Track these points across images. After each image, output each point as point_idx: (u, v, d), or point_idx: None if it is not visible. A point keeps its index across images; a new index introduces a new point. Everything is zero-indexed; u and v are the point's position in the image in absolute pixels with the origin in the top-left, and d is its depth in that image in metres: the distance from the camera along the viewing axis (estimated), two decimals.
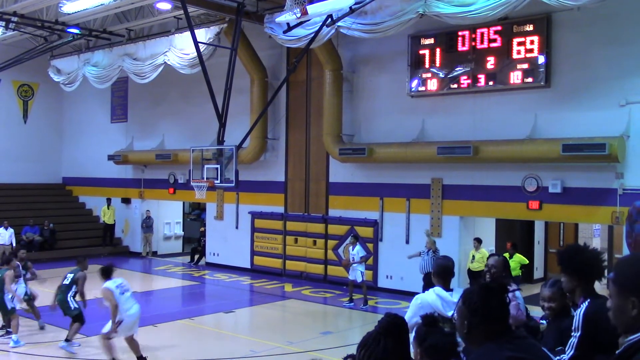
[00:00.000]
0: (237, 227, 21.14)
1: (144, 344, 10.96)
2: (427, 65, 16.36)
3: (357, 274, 15.56)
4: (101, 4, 17.98)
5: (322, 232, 18.83)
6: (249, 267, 20.66)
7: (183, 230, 26.16)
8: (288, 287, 18.14)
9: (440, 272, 5.91)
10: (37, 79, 26.44)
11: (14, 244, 20.40)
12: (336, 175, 18.75)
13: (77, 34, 21.03)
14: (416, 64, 16.59)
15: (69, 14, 19.10)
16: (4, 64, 21.66)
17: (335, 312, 15.43)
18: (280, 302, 16.53)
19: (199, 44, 17.28)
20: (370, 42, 16.99)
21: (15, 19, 19.43)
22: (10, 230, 20.93)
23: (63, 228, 24.32)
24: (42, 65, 24.36)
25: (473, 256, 15.55)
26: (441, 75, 16.13)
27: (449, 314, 5.35)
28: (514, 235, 17.83)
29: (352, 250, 15.89)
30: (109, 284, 10.12)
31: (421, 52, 16.50)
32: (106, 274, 10.27)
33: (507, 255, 14.11)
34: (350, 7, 14.64)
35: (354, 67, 18.29)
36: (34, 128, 27.25)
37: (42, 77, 25.33)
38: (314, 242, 18.96)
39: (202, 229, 23.18)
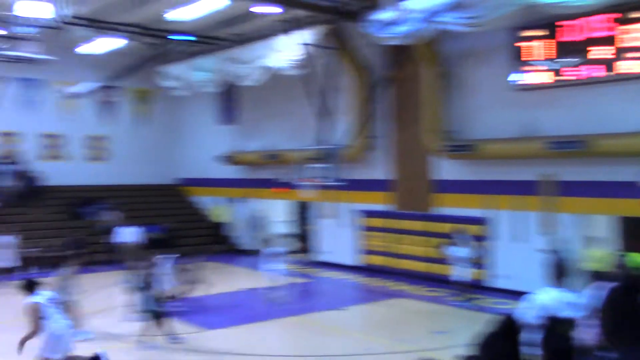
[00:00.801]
0: (343, 226, 21.37)
1: (257, 340, 11.29)
2: (531, 58, 15.84)
3: (463, 272, 15.36)
4: (209, 11, 18.70)
5: (427, 229, 18.69)
6: (357, 264, 20.83)
7: (291, 229, 26.67)
8: (397, 285, 18.13)
9: (555, 272, 5.79)
10: (153, 85, 27.83)
11: (139, 242, 21.54)
12: (441, 172, 18.54)
13: (186, 40, 21.97)
14: (519, 57, 16.10)
15: (179, 22, 20.00)
16: (122, 72, 22.97)
17: (444, 311, 15.26)
18: (390, 300, 16.54)
19: (302, 46, 17.61)
20: (470, 36, 16.62)
21: (131, 29, 20.57)
22: (135, 229, 22.02)
23: (179, 227, 25.51)
24: (156, 72, 25.65)
25: (592, 255, 14.84)
26: (548, 67, 15.56)
27: (567, 313, 5.23)
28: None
29: (455, 248, 15.70)
30: (37, 298, 8.82)
31: (524, 44, 15.99)
32: (29, 288, 8.97)
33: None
34: (450, 1, 14.42)
35: (455, 62, 17.98)
36: (150, 132, 28.76)
37: (156, 83, 26.65)
38: (421, 240, 18.85)
39: (308, 227, 23.56)
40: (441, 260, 17.98)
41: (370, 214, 20.47)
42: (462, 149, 17.04)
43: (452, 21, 15.26)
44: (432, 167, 18.78)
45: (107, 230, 22.71)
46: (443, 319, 14.82)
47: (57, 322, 8.72)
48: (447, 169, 18.27)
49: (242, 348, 11.61)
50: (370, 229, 20.53)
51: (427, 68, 17.75)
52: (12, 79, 25.07)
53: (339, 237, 21.55)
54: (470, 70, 17.63)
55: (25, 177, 24.54)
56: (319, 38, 19.16)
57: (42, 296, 8.89)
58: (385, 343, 11.99)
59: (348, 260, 21.18)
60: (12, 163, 24.45)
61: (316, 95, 17.28)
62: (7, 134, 25.16)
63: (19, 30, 20.52)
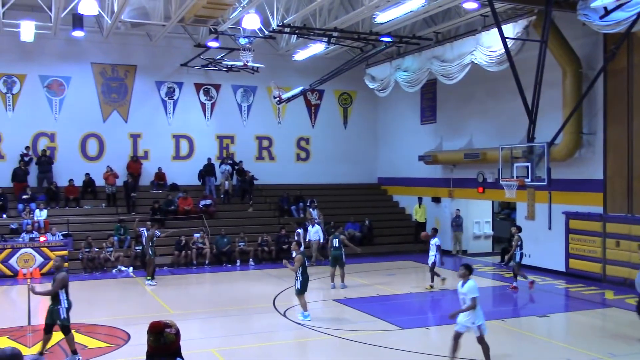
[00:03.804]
0: (549, 228, 20.15)
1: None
2: None
3: None
4: (410, 11, 18.74)
5: None
6: (564, 270, 19.53)
7: (493, 230, 25.85)
8: (609, 294, 16.68)
9: None
10: (355, 87, 28.70)
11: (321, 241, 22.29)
12: None
13: (389, 42, 22.23)
14: None
15: (381, 24, 20.31)
16: (327, 75, 23.93)
17: None
18: (600, 310, 15.29)
19: (507, 40, 16.93)
20: None
21: (335, 34, 21.33)
22: (319, 228, 22.71)
23: (379, 225, 25.95)
24: (359, 74, 26.34)
25: None
26: None
27: None
28: None
29: None
30: None
31: None
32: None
33: None
34: None
35: None
36: (352, 132, 29.66)
37: (359, 85, 27.40)
38: (635, 246, 17.09)
39: (513, 228, 22.57)
40: None
41: (578, 216, 19.04)
42: None
43: None
44: None
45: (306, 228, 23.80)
46: None
47: None
48: None
49: (435, 349, 11.44)
50: (577, 232, 19.10)
51: None
52: (229, 86, 27.32)
53: (543, 239, 20.36)
54: None
55: (241, 177, 26.60)
56: (524, 30, 18.28)
57: None
58: (589, 355, 11.05)
59: (552, 264, 19.94)
60: (231, 163, 26.64)
61: (522, 91, 16.46)
62: (224, 137, 27.44)
63: (238, 41, 22.31)
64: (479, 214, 25.29)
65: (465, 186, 24.28)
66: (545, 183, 16.63)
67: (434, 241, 17.75)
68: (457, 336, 10.04)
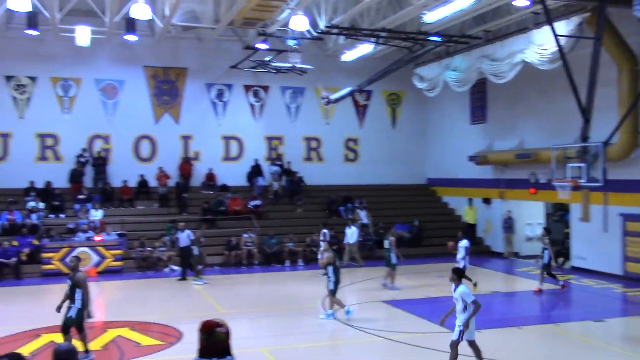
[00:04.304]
0: (605, 230, 19.59)
1: (504, 345, 10.85)
2: None
3: None
4: (460, 9, 18.52)
5: None
6: (620, 273, 18.98)
7: (545, 232, 25.24)
8: None
9: None
10: (403, 87, 28.53)
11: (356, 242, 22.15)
12: None
13: (438, 41, 22.02)
14: None
15: (430, 23, 20.14)
16: (375, 76, 23.85)
17: None
18: None
19: (559, 37, 16.57)
20: None
21: (383, 34, 21.25)
22: (354, 229, 22.45)
23: (428, 226, 25.70)
24: (407, 74, 26.16)
25: None
26: None
27: None
28: None
29: None
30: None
31: None
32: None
33: None
34: None
35: None
36: (401, 133, 29.49)
37: (407, 85, 27.21)
38: None
39: (567, 230, 22.11)
40: None
41: (636, 217, 18.46)
42: None
43: None
44: None
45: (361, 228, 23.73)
46: None
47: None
48: None
49: (488, 352, 11.27)
50: (634, 234, 18.54)
51: None
52: (277, 88, 27.53)
53: (598, 242, 19.83)
54: None
55: (290, 177, 26.77)
56: (577, 28, 17.84)
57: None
58: None
59: (607, 267, 19.41)
60: (279, 164, 26.85)
61: (575, 89, 16.09)
62: (273, 138, 27.67)
63: (286, 43, 22.48)
64: (531, 216, 24.78)
65: (516, 187, 23.85)
66: (600, 184, 16.19)
67: (462, 243, 17.20)
68: (471, 343, 9.86)
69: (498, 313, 15.44)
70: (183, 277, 19.45)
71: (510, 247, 24.15)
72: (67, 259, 11.98)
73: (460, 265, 16.81)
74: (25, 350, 11.08)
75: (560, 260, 21.75)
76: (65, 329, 10.75)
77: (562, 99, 19.71)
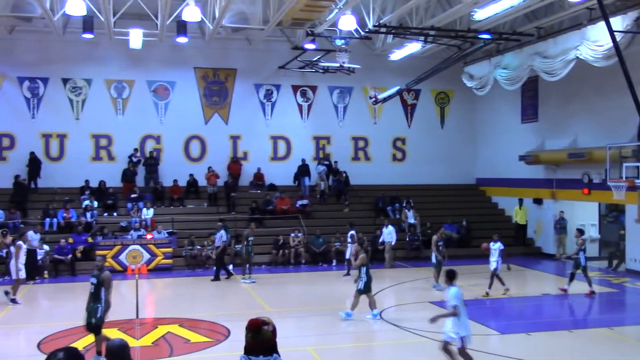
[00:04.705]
0: None
1: (556, 349, 10.62)
2: None
3: None
4: (511, 6, 18.18)
5: None
6: None
7: (599, 233, 24.62)
8: None
9: None
10: (452, 86, 28.19)
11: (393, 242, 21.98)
12: None
13: (488, 39, 21.66)
14: None
15: (480, 20, 19.83)
16: (424, 75, 23.65)
17: None
18: None
19: (615, 33, 16.09)
20: None
21: (432, 32, 21.04)
22: (391, 228, 22.23)
23: (477, 227, 25.32)
24: (456, 73, 25.84)
25: None
26: None
27: None
28: None
29: None
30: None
31: None
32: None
33: None
34: None
35: None
36: (449, 132, 29.15)
37: (456, 83, 26.89)
38: None
39: (622, 232, 21.47)
40: None
41: None
42: None
43: None
44: None
45: (408, 228, 23.58)
46: None
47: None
48: None
49: (537, 356, 11.06)
50: None
51: None
52: (325, 87, 27.58)
53: None
54: None
55: (336, 177, 26.77)
56: (634, 23, 17.30)
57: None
58: None
59: None
60: (326, 164, 26.88)
61: (632, 87, 15.60)
62: (320, 138, 27.73)
63: (334, 42, 22.49)
64: (584, 217, 24.14)
65: (569, 187, 23.28)
66: None
67: (496, 246, 16.76)
68: (445, 345, 9.60)
69: (548, 317, 15.13)
70: (216, 277, 19.47)
71: (563, 249, 23.59)
72: (97, 260, 11.82)
73: (492, 267, 16.47)
74: (79, 344, 11.38)
75: (615, 262, 21.15)
76: (95, 329, 10.58)
77: (617, 96, 19.14)
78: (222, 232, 19.90)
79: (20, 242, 16.52)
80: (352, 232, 20.50)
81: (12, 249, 16.56)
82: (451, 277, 9.77)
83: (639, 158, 16.10)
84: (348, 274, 19.62)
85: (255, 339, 4.63)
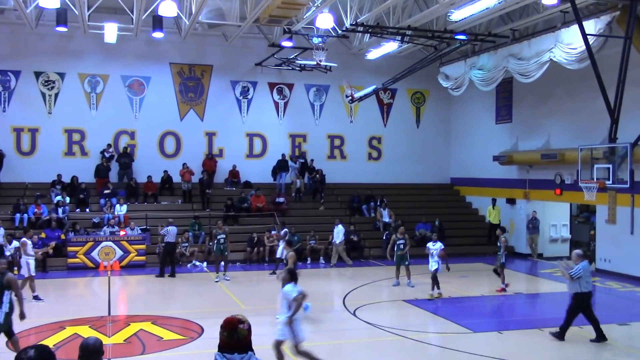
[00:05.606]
0: (632, 232, 19.31)
1: (522, 347, 10.74)
2: None
3: None
4: (487, 8, 18.35)
5: None
6: None
7: (570, 233, 25.00)
8: None
9: None
10: (428, 86, 28.37)
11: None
12: None
13: (464, 40, 21.85)
14: None
15: (456, 21, 19.98)
16: (400, 74, 23.76)
17: None
18: None
19: (588, 37, 16.35)
20: None
21: (409, 32, 21.15)
22: (340, 227, 22.08)
23: (451, 226, 25.52)
24: (432, 73, 26.02)
25: None
26: None
27: None
28: None
29: None
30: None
31: None
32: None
33: None
34: None
35: None
36: (425, 132, 29.33)
37: (432, 84, 27.07)
38: None
39: (592, 232, 21.81)
40: None
41: None
42: None
43: None
44: None
45: (384, 227, 23.64)
46: None
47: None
48: None
49: (508, 354, 11.18)
50: None
51: None
52: (302, 85, 27.56)
53: (624, 244, 19.53)
54: None
55: (311, 175, 26.77)
56: (607, 27, 17.58)
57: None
58: None
59: (635, 270, 19.09)
60: (301, 162, 26.86)
61: (604, 89, 15.87)
62: (297, 135, 27.70)
63: (311, 41, 22.49)
64: (556, 217, 24.51)
65: (541, 187, 23.59)
66: (627, 185, 15.96)
67: (436, 246, 16.40)
68: (278, 344, 9.72)
69: (520, 315, 15.31)
70: (161, 274, 19.35)
71: (535, 248, 23.89)
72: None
73: (432, 268, 16.31)
74: (50, 342, 11.23)
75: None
76: (5, 333, 9.85)
77: (589, 98, 19.45)
78: (168, 228, 19.60)
79: (24, 239, 16.34)
80: (285, 229, 20.43)
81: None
82: (291, 276, 10.10)
83: (610, 160, 16.35)
84: (274, 273, 19.40)
85: (230, 337, 4.60)
